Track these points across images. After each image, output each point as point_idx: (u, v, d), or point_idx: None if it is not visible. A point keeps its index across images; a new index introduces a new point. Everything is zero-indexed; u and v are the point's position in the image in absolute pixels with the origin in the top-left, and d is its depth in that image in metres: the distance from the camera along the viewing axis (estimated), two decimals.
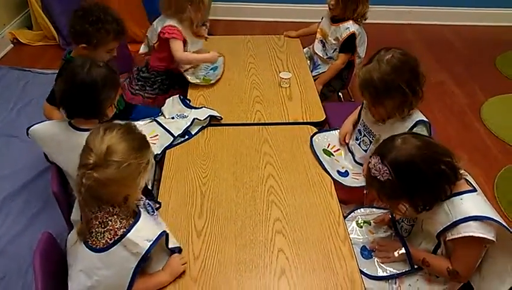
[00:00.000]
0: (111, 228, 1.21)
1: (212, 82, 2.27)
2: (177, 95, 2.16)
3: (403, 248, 1.46)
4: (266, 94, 2.21)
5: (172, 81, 2.37)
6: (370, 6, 2.44)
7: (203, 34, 2.43)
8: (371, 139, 1.80)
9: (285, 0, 4.23)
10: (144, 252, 1.20)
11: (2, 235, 2.09)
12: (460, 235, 1.29)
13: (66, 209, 1.61)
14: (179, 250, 1.38)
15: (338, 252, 1.41)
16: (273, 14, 4.24)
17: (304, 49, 2.67)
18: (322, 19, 2.62)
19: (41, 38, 3.76)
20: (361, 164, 1.83)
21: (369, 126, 1.83)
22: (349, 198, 1.74)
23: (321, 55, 2.58)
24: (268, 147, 1.86)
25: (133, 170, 1.22)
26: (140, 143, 1.27)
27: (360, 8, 2.39)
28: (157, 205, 1.55)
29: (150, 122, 2.00)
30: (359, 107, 1.94)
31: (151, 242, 1.22)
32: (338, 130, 1.98)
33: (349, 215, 1.67)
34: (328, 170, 1.74)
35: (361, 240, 1.57)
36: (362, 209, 1.70)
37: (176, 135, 1.88)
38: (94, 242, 1.21)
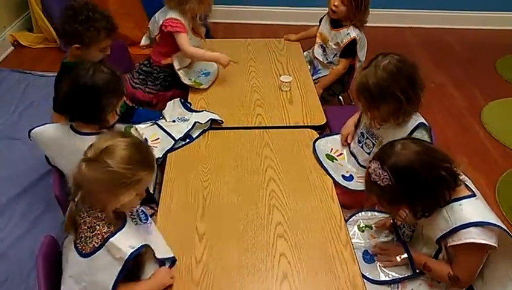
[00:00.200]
0: (98, 232, 1.22)
1: (202, 87, 2.26)
2: (178, 98, 2.16)
3: (405, 253, 1.46)
4: (267, 97, 2.21)
5: (175, 79, 2.34)
6: (371, 9, 2.44)
7: (201, 33, 2.42)
8: (373, 141, 1.81)
9: (285, 3, 4.24)
10: (126, 257, 1.19)
11: (4, 238, 2.09)
12: (462, 242, 1.29)
13: None
14: (172, 261, 1.36)
15: (340, 257, 1.41)
16: (273, 17, 4.25)
17: (304, 53, 2.67)
18: (320, 22, 2.62)
19: (41, 40, 3.76)
20: (365, 167, 1.82)
21: (371, 129, 1.83)
22: (353, 203, 1.74)
23: (321, 60, 2.58)
24: (269, 150, 1.86)
25: (119, 179, 1.19)
26: (141, 161, 1.24)
27: (363, 16, 2.39)
28: (152, 212, 1.55)
29: (151, 125, 2.00)
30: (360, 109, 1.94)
31: (133, 249, 1.21)
32: (340, 135, 1.98)
33: (351, 219, 1.67)
34: (333, 175, 1.75)
35: (363, 245, 1.57)
36: (363, 213, 1.70)
37: (176, 139, 1.88)
38: (83, 247, 1.22)
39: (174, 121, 2.01)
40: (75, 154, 1.27)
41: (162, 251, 1.36)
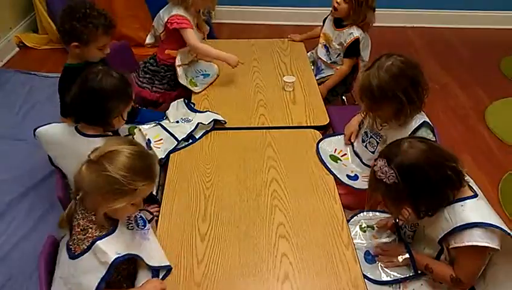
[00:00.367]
0: (90, 235, 1.22)
1: (196, 89, 2.25)
2: (182, 99, 2.17)
3: (407, 253, 1.46)
4: (270, 98, 2.21)
5: None
6: (376, 9, 2.44)
7: (205, 31, 2.41)
8: (377, 140, 1.81)
9: (289, 3, 4.24)
10: (110, 262, 1.19)
11: (8, 238, 2.10)
12: (464, 244, 1.29)
13: None
14: (168, 269, 1.35)
15: (341, 257, 1.41)
16: (277, 18, 4.25)
17: (308, 54, 2.67)
18: (324, 23, 2.62)
19: (46, 41, 3.78)
20: (369, 166, 1.82)
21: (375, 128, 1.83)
22: (358, 203, 1.74)
23: (325, 60, 2.58)
24: (272, 151, 1.86)
25: (112, 184, 1.18)
26: (142, 172, 1.23)
27: (365, 15, 2.39)
28: (151, 217, 1.55)
29: (155, 126, 2.00)
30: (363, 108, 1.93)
31: (119, 255, 1.21)
32: (343, 135, 1.98)
33: (352, 219, 1.67)
34: (337, 175, 1.75)
35: (364, 245, 1.56)
36: (365, 213, 1.70)
37: (179, 139, 1.88)
38: (75, 248, 1.23)
39: (177, 122, 2.01)
40: (77, 156, 1.28)
41: (158, 258, 1.35)
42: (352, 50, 2.45)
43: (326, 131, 2.12)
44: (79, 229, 1.23)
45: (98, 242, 1.21)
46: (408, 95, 1.60)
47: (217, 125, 2.00)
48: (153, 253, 1.34)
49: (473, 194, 1.36)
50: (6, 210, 2.24)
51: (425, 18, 4.29)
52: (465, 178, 1.36)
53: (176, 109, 2.11)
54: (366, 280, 1.38)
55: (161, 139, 1.92)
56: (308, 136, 1.96)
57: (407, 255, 1.45)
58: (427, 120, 1.68)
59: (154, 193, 1.74)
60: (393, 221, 1.59)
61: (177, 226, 1.51)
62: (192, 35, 2.22)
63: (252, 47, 2.66)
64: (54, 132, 1.66)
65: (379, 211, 1.72)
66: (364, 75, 1.67)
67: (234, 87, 2.31)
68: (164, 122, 2.02)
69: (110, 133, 1.63)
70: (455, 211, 1.32)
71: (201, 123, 1.95)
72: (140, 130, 1.95)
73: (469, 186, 1.38)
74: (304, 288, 1.33)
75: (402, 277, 1.44)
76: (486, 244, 1.27)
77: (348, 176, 1.81)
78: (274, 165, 1.78)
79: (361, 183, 1.77)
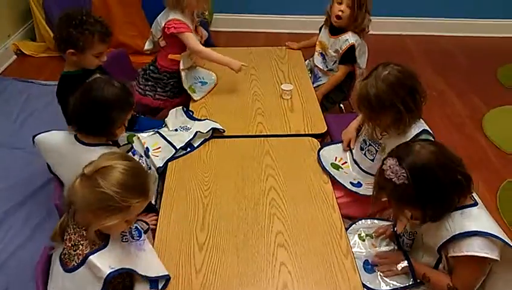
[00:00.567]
0: (80, 252, 1.21)
1: (195, 96, 2.25)
2: (181, 107, 2.17)
3: (406, 261, 1.45)
4: (268, 106, 2.21)
5: None
6: (373, 17, 2.45)
7: (203, 36, 2.40)
8: (376, 148, 1.81)
9: (287, 11, 4.25)
10: (104, 277, 1.18)
11: (5, 246, 2.09)
12: (463, 254, 1.28)
13: None
14: (167, 279, 1.33)
15: (340, 266, 1.41)
16: (275, 26, 4.26)
17: (305, 62, 2.68)
18: (320, 31, 2.62)
19: (44, 49, 3.78)
20: (370, 173, 1.82)
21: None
22: (362, 212, 1.74)
23: (321, 68, 2.59)
24: (270, 159, 1.86)
25: (105, 201, 1.16)
26: (135, 188, 1.21)
27: (365, 21, 2.40)
28: (147, 227, 1.54)
29: (153, 134, 2.00)
30: (361, 115, 1.94)
31: (112, 270, 1.20)
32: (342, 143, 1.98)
33: (351, 228, 1.67)
34: (341, 182, 1.75)
35: (364, 254, 1.56)
36: (364, 221, 1.70)
37: (178, 148, 1.88)
38: (67, 262, 1.22)
39: (176, 130, 2.01)
40: (75, 164, 1.27)
41: (155, 268, 1.33)
42: (347, 57, 2.46)
43: (324, 139, 2.12)
44: (70, 245, 1.22)
45: (90, 257, 1.19)
46: (406, 104, 1.60)
47: (215, 133, 1.99)
48: (150, 264, 1.33)
49: (473, 202, 1.36)
50: (4, 219, 2.22)
51: (422, 26, 4.31)
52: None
53: (175, 117, 2.11)
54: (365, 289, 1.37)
55: (159, 148, 1.92)
56: (306, 144, 1.96)
57: (406, 264, 1.45)
58: (427, 128, 1.69)
59: (152, 201, 1.73)
60: (392, 229, 1.59)
61: (175, 235, 1.50)
62: (192, 39, 2.22)
63: (250, 55, 2.67)
64: (53, 139, 1.65)
65: (378, 219, 1.72)
66: (362, 85, 1.67)
67: (232, 95, 2.31)
68: (163, 130, 2.02)
69: (109, 142, 1.62)
70: (455, 219, 1.32)
71: (199, 132, 1.94)
72: (138, 138, 1.95)
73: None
74: None
75: (401, 285, 1.44)
76: (485, 255, 1.26)
77: (351, 183, 1.81)
78: (272, 174, 1.78)
79: (366, 190, 1.77)
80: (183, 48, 2.25)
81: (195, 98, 2.25)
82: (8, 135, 2.80)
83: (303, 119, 2.12)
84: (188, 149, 1.91)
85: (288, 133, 2.04)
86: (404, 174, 1.28)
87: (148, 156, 1.86)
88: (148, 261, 1.33)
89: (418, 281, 1.43)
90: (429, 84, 3.04)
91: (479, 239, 1.27)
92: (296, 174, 1.79)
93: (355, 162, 1.90)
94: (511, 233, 2.03)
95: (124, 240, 1.31)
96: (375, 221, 1.71)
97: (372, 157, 1.83)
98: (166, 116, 2.14)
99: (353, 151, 1.94)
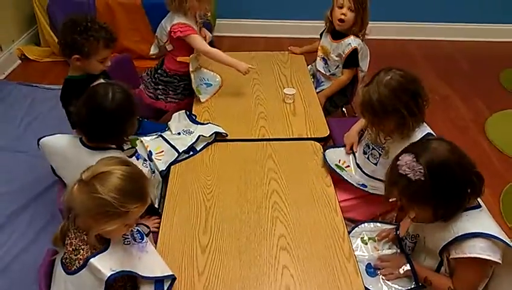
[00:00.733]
0: (81, 257, 1.22)
1: (201, 98, 2.26)
2: (184, 110, 2.18)
3: (408, 265, 1.45)
4: (270, 110, 2.22)
5: None
6: (375, 22, 2.45)
7: (207, 38, 2.42)
8: (380, 152, 1.81)
9: (289, 16, 4.27)
10: (105, 279, 1.18)
11: (8, 250, 2.09)
12: (465, 256, 1.28)
13: None
14: (172, 279, 1.33)
15: (343, 269, 1.41)
16: (278, 31, 4.27)
17: (308, 67, 2.68)
18: (321, 36, 2.63)
19: (48, 54, 3.81)
20: (373, 177, 1.82)
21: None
22: (364, 216, 1.75)
23: (324, 72, 2.60)
24: (273, 162, 1.87)
25: (103, 207, 1.16)
26: (133, 194, 1.21)
27: (365, 22, 2.41)
28: (148, 230, 1.55)
29: (156, 137, 2.01)
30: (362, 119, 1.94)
31: (113, 272, 1.20)
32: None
33: (354, 231, 1.67)
34: (348, 179, 1.77)
35: (366, 257, 1.56)
36: (366, 224, 1.71)
37: (180, 151, 1.89)
38: (68, 266, 1.23)
39: (179, 134, 2.02)
40: (79, 167, 1.27)
41: (160, 269, 1.33)
42: (350, 60, 2.47)
43: (327, 143, 2.12)
44: (71, 249, 1.23)
45: (91, 260, 1.20)
46: (409, 109, 1.61)
47: (218, 137, 2.00)
48: (154, 264, 1.33)
49: (476, 204, 1.36)
50: (7, 222, 2.23)
51: (425, 31, 4.32)
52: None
53: (178, 120, 2.12)
54: None
55: (162, 151, 1.92)
56: (309, 148, 1.96)
57: (408, 267, 1.45)
58: (431, 131, 1.69)
59: (156, 205, 1.74)
60: (394, 233, 1.59)
61: (178, 238, 1.51)
62: (199, 40, 2.24)
63: (253, 59, 2.67)
64: (58, 143, 1.66)
65: (380, 222, 1.72)
66: (364, 90, 1.68)
67: (235, 99, 2.31)
68: (165, 134, 2.03)
69: (113, 146, 1.63)
70: (458, 220, 1.32)
71: (202, 136, 1.95)
72: (142, 142, 1.96)
73: None
74: None
75: (403, 289, 1.44)
76: (487, 257, 1.26)
77: (357, 184, 1.83)
78: (275, 177, 1.79)
79: (372, 190, 1.79)
80: (190, 50, 2.27)
81: (202, 100, 2.27)
82: (13, 138, 2.82)
83: (305, 123, 2.13)
84: (191, 153, 1.91)
85: (291, 137, 2.05)
86: (422, 170, 1.26)
87: (151, 160, 1.87)
88: (152, 262, 1.34)
89: (420, 284, 1.43)
90: (432, 89, 3.05)
91: (481, 241, 1.27)
92: (299, 177, 1.79)
93: (358, 166, 1.91)
94: None
95: (126, 242, 1.31)
96: (378, 224, 1.72)
97: (376, 161, 1.83)
98: (169, 120, 2.15)
99: (356, 155, 1.94)
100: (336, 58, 2.50)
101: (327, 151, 1.93)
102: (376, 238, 1.63)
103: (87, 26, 1.83)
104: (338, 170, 1.85)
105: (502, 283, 1.35)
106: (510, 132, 3.10)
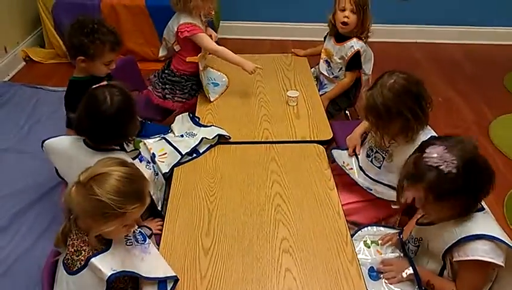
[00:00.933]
0: (82, 258, 1.22)
1: (209, 97, 2.27)
2: (187, 113, 2.18)
3: (411, 268, 1.45)
4: (274, 112, 2.22)
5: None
6: (378, 25, 2.45)
7: (212, 34, 2.42)
8: (383, 155, 1.80)
9: (292, 18, 4.27)
10: (106, 278, 1.19)
11: (12, 251, 2.10)
12: (468, 258, 1.28)
13: None
14: (175, 280, 1.33)
15: (346, 273, 1.40)
16: (282, 33, 4.28)
17: (311, 70, 2.69)
18: (325, 39, 2.64)
19: (53, 56, 3.82)
20: (377, 181, 1.82)
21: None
22: (368, 219, 1.75)
23: (327, 75, 2.60)
24: (276, 165, 1.87)
25: (101, 208, 1.16)
26: (131, 195, 1.20)
27: (368, 23, 2.41)
28: (150, 232, 1.55)
29: (159, 140, 2.01)
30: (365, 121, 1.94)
31: (114, 271, 1.20)
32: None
33: (357, 234, 1.67)
34: (356, 180, 1.78)
35: (369, 261, 1.56)
36: (369, 228, 1.70)
37: (183, 153, 1.89)
38: (70, 266, 1.23)
39: (182, 136, 2.02)
40: (83, 168, 1.28)
41: (163, 269, 1.33)
42: (353, 63, 2.47)
43: (330, 145, 2.12)
44: (72, 250, 1.23)
45: (92, 259, 1.20)
46: (413, 112, 1.60)
47: (221, 139, 2.00)
48: (157, 265, 1.33)
49: (479, 207, 1.35)
50: (11, 223, 2.24)
51: (429, 34, 4.31)
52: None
53: (181, 122, 2.12)
54: None
55: (165, 153, 1.93)
56: (312, 150, 1.96)
57: (411, 271, 1.44)
58: (435, 134, 1.68)
59: (159, 207, 1.74)
60: (398, 237, 1.58)
61: (180, 240, 1.51)
62: (206, 39, 2.25)
63: (256, 62, 2.65)
64: (62, 144, 1.67)
65: (383, 226, 1.71)
66: (368, 94, 1.68)
67: (238, 101, 2.32)
68: (169, 136, 2.03)
69: (117, 147, 1.63)
70: (461, 223, 1.32)
71: (205, 138, 1.95)
72: (145, 143, 1.96)
73: None
74: None
75: None
76: (490, 260, 1.26)
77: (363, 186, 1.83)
78: (278, 180, 1.79)
79: (377, 193, 1.79)
80: (197, 50, 2.28)
81: (211, 99, 2.28)
82: (16, 140, 2.83)
83: (309, 126, 2.13)
84: (194, 155, 1.91)
85: (294, 139, 2.04)
86: (455, 161, 1.23)
87: (154, 162, 1.87)
88: (155, 263, 1.34)
89: (423, 288, 1.42)
90: (436, 92, 3.04)
91: (484, 243, 1.27)
92: (302, 180, 1.79)
93: (361, 169, 1.90)
94: None
95: (128, 243, 1.31)
96: (381, 228, 1.72)
97: (379, 165, 1.82)
98: (172, 122, 2.15)
99: (359, 158, 1.94)
100: (339, 61, 2.50)
101: (332, 151, 1.92)
102: (379, 241, 1.63)
103: (94, 29, 1.84)
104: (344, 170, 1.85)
105: (506, 285, 1.35)
106: None
